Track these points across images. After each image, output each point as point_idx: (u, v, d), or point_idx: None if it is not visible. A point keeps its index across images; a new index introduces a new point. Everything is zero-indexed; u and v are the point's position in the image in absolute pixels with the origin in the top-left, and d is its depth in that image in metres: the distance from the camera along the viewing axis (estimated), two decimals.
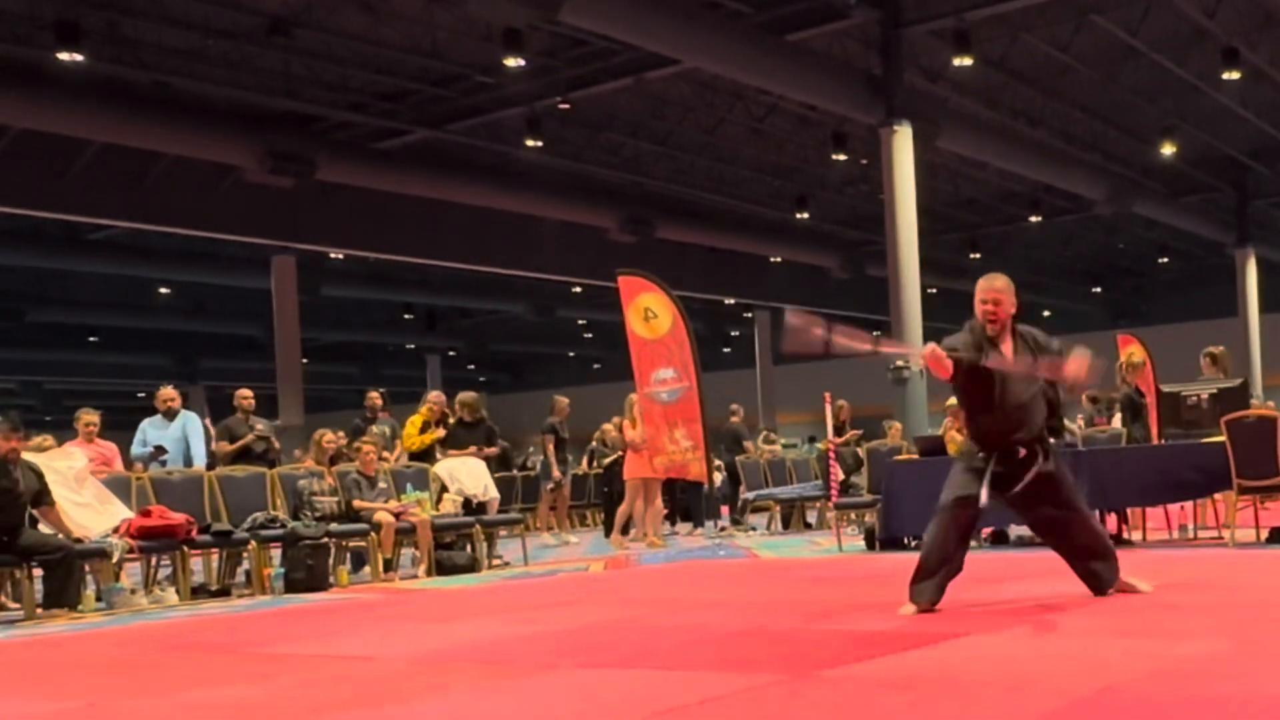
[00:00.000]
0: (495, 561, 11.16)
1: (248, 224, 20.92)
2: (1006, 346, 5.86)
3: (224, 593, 9.47)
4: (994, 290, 5.85)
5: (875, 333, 6.09)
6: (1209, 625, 5.14)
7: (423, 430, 12.45)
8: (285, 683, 4.88)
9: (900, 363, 16.95)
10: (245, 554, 9.78)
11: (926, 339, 17.53)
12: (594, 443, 17.73)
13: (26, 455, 8.57)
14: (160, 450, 11.13)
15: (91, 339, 36.17)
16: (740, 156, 23.30)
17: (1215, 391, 9.46)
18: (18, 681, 5.41)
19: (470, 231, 23.51)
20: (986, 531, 10.48)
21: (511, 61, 15.99)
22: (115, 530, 8.72)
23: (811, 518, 15.38)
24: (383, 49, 17.13)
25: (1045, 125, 21.91)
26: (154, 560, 9.54)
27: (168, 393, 11.51)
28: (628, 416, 13.31)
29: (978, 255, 30.82)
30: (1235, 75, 18.01)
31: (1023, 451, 5.86)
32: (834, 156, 21.37)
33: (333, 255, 26.78)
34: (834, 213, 27.37)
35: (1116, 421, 11.91)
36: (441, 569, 10.41)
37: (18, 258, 25.68)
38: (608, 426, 16.71)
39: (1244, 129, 22.64)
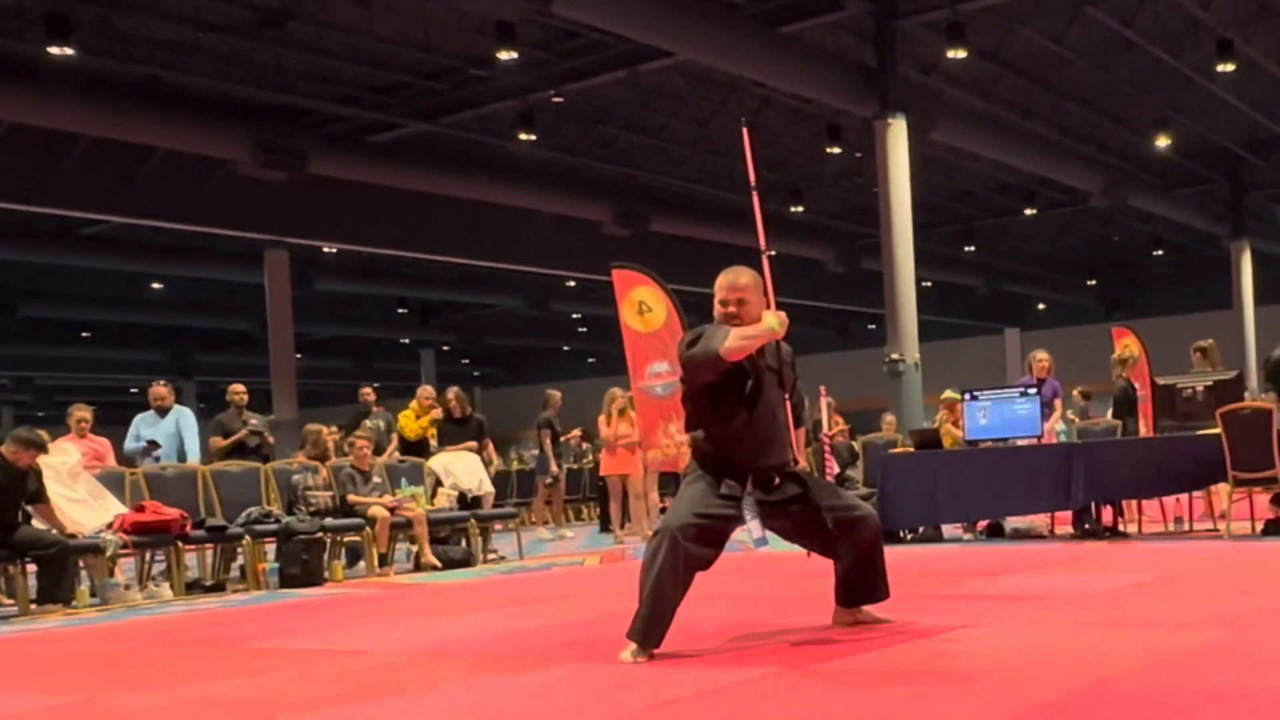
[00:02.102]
0: (490, 556, 11.17)
1: (240, 218, 20.87)
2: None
3: (218, 588, 9.47)
4: (737, 289, 4.87)
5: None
6: (1204, 617, 5.15)
7: (417, 418, 12.51)
8: (280, 677, 4.87)
9: (895, 356, 16.95)
10: (240, 549, 9.77)
11: (922, 332, 17.65)
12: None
13: None
14: (153, 445, 11.13)
15: (84, 334, 36.09)
16: (734, 149, 23.22)
17: (1211, 384, 9.47)
18: (13, 677, 5.40)
19: (463, 225, 23.48)
20: (982, 525, 10.50)
21: (504, 54, 15.95)
22: (109, 526, 8.71)
23: None
24: (375, 42, 17.08)
25: (1040, 117, 21.89)
26: (148, 555, 9.51)
27: (159, 391, 11.50)
28: (604, 413, 13.33)
29: (972, 248, 30.84)
30: (1230, 67, 18.00)
31: (778, 479, 4.96)
32: (828, 149, 21.35)
33: (326, 249, 26.73)
34: (829, 206, 27.36)
35: (1110, 415, 11.94)
36: (428, 566, 10.39)
37: (9, 253, 25.59)
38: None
39: (1239, 121, 22.63)
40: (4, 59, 15.62)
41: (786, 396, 5.06)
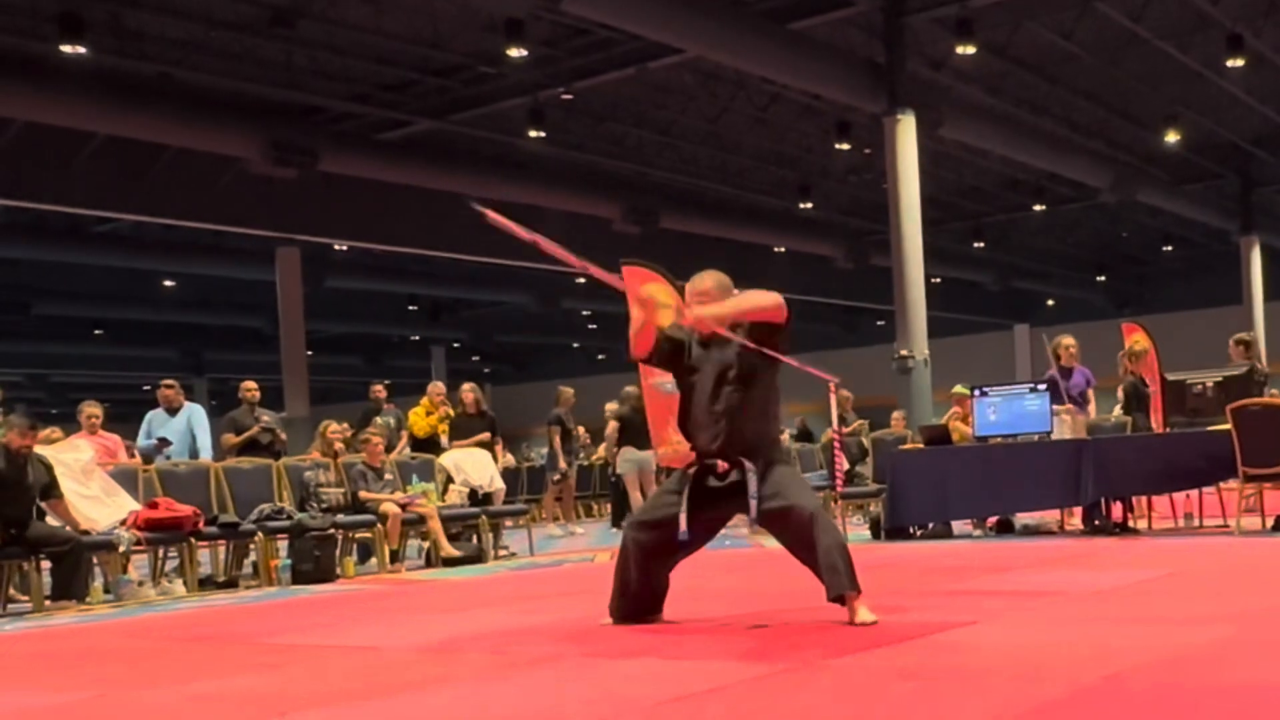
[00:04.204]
0: (501, 552, 11.20)
1: (251, 216, 20.91)
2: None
3: (231, 584, 9.51)
4: (697, 294, 5.28)
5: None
6: (1215, 612, 5.15)
7: (427, 415, 12.55)
8: (293, 673, 4.90)
9: (904, 352, 16.92)
10: (252, 545, 9.81)
11: (931, 328, 17.64)
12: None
13: (35, 448, 8.61)
14: (164, 442, 11.18)
15: (97, 332, 36.18)
16: (743, 146, 23.27)
17: (1220, 379, 9.47)
18: (27, 673, 5.44)
19: (473, 222, 23.31)
20: (991, 521, 10.50)
21: (514, 51, 15.97)
22: (122, 522, 8.75)
23: None
24: (385, 39, 17.11)
25: (1049, 113, 21.86)
26: (161, 552, 9.58)
27: (167, 393, 11.54)
28: None
29: (981, 244, 30.80)
30: (1239, 62, 17.97)
31: (722, 466, 5.17)
32: (837, 146, 21.34)
33: (337, 247, 26.77)
34: (838, 202, 27.35)
35: (1118, 410, 11.92)
36: (448, 560, 10.43)
37: (23, 251, 25.68)
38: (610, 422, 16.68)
39: (1248, 116, 22.58)
40: (17, 57, 15.68)
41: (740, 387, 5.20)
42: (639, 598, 5.42)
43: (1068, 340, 10.72)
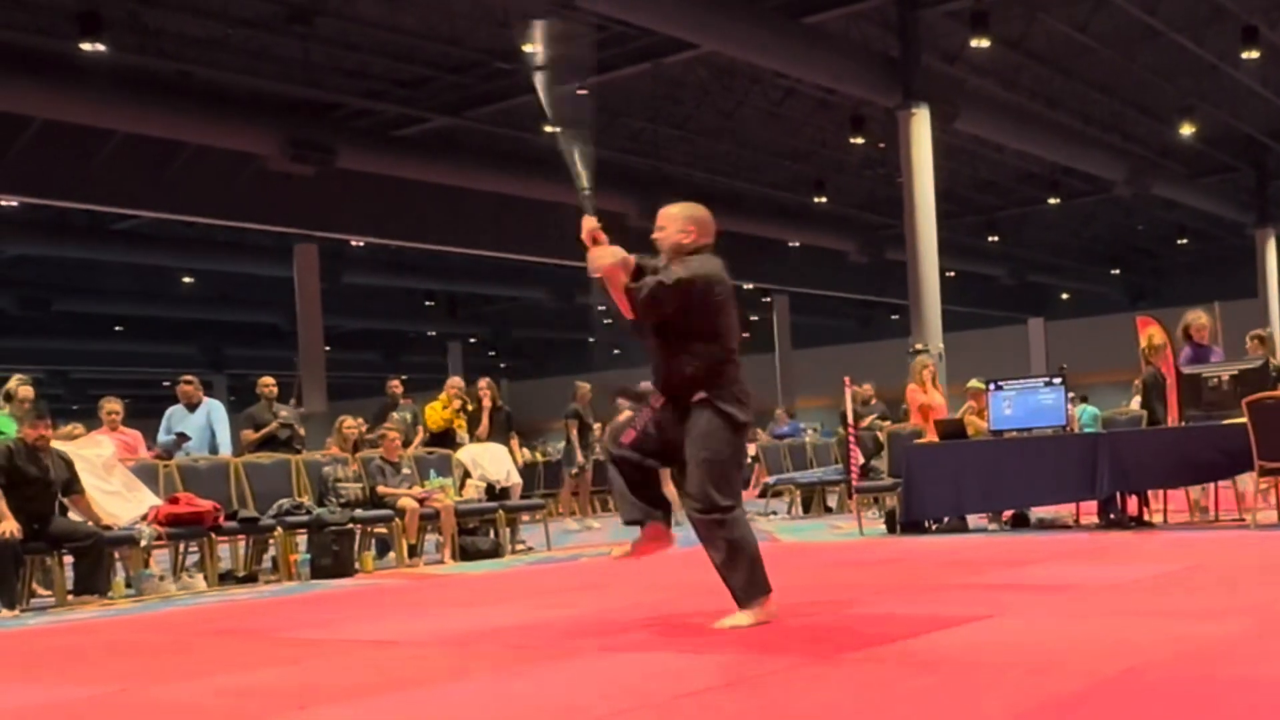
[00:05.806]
0: (518, 547, 11.24)
1: (269, 212, 21.00)
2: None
3: (251, 579, 9.57)
4: (661, 215, 5.32)
5: None
6: (1232, 606, 5.16)
7: (444, 410, 12.60)
8: (313, 667, 4.94)
9: (919, 346, 16.93)
10: (272, 540, 9.87)
11: (946, 322, 17.59)
12: None
13: (56, 444, 8.67)
14: (183, 438, 11.24)
15: (117, 328, 36.35)
16: (758, 141, 23.26)
17: (1236, 373, 9.45)
18: (50, 667, 5.49)
19: (490, 218, 23.55)
20: (1007, 515, 10.51)
21: (529, 47, 16.00)
22: (143, 517, 8.81)
23: (832, 502, 15.41)
24: (401, 36, 17.17)
25: (1063, 106, 21.81)
26: (182, 547, 9.64)
27: (186, 389, 11.60)
28: (914, 380, 12.39)
29: (996, 238, 30.73)
30: (1254, 54, 17.90)
31: (656, 400, 5.25)
32: (852, 140, 21.33)
33: (354, 243, 26.85)
34: (852, 196, 27.32)
35: (1135, 404, 11.88)
36: (465, 554, 10.48)
37: (43, 248, 25.84)
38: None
39: (1264, 108, 22.49)
40: (37, 55, 15.77)
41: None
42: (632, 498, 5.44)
43: (1202, 320, 10.23)
